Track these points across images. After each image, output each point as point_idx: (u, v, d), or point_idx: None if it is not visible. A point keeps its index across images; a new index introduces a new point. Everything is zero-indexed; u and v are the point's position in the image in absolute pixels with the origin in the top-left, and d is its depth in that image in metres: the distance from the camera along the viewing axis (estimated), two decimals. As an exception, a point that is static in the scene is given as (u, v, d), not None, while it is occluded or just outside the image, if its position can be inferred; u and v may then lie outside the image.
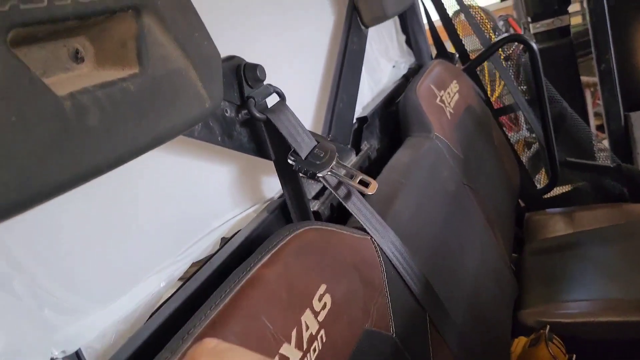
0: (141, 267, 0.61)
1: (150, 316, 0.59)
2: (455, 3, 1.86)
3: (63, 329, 0.50)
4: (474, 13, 3.81)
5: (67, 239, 0.53)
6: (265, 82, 0.77)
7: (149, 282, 0.61)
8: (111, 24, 0.49)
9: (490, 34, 4.13)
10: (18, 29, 0.39)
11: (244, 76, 0.73)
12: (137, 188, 0.62)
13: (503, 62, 1.92)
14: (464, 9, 1.84)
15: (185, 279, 0.66)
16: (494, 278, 1.16)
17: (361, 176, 0.78)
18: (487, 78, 3.30)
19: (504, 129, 1.80)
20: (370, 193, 0.76)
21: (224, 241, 0.74)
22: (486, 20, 4.05)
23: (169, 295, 0.62)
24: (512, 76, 1.88)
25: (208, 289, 0.62)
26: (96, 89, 0.45)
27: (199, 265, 0.67)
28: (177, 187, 0.69)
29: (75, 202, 0.53)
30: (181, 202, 0.69)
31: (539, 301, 1.23)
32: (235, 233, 0.75)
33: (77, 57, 0.49)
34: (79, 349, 0.50)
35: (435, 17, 1.73)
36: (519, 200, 1.76)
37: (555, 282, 1.30)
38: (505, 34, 1.62)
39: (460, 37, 1.75)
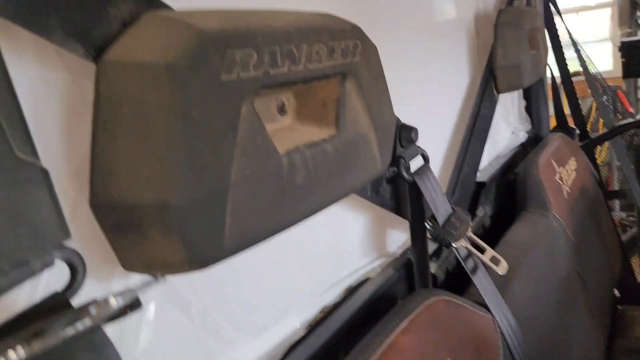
0: (283, 307, 0.63)
1: (284, 356, 0.62)
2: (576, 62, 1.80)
3: (219, 357, 0.53)
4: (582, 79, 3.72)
5: (233, 273, 0.56)
6: (412, 143, 0.79)
7: (287, 322, 0.63)
8: (318, 84, 0.53)
9: (593, 103, 3.99)
10: (263, 89, 0.43)
11: (398, 136, 0.76)
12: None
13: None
14: (588, 78, 1.79)
15: (315, 323, 0.68)
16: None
17: (493, 253, 0.78)
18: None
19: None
20: (501, 273, 0.76)
21: (350, 289, 0.76)
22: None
23: (301, 336, 0.65)
24: (630, 161, 1.80)
25: (340, 338, 0.64)
26: (305, 148, 0.48)
27: (329, 310, 0.70)
28: (320, 232, 0.71)
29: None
30: (321, 247, 0.72)
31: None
32: (361, 283, 0.77)
33: (282, 110, 0.53)
34: (228, 377, 0.53)
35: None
36: (615, 289, 1.68)
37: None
38: (632, 120, 1.57)
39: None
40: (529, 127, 1.63)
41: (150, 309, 0.46)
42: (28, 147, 0.30)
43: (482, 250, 0.79)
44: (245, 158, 0.41)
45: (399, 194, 0.79)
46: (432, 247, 0.93)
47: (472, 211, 1.13)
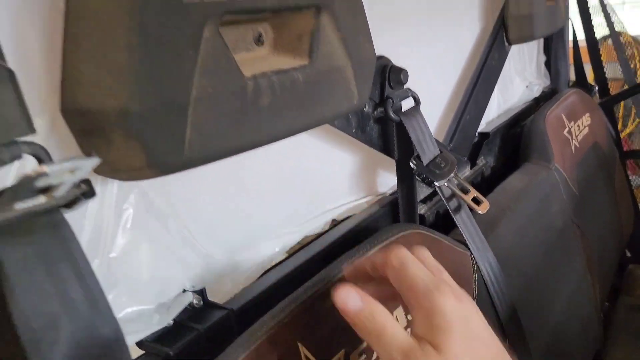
0: (263, 230, 0.68)
1: (262, 275, 0.67)
2: (605, 26, 1.76)
3: (195, 268, 0.58)
4: (623, 41, 3.56)
5: (212, 192, 0.61)
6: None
7: (266, 245, 0.68)
8: (293, 17, 0.55)
9: (638, 66, 3.85)
10: (227, 15, 0.46)
11: (388, 77, 0.78)
12: (273, 157, 0.69)
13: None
14: (614, 36, 1.75)
15: (295, 250, 0.72)
16: (580, 322, 1.14)
17: (475, 194, 0.81)
18: (621, 112, 3.09)
19: (628, 172, 1.71)
20: (481, 212, 0.78)
21: (335, 223, 0.80)
22: (636, 51, 3.78)
23: (280, 260, 0.70)
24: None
25: (316, 264, 0.69)
26: (272, 74, 0.51)
27: (310, 239, 0.74)
28: (306, 164, 0.75)
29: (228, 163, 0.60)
30: (306, 179, 0.75)
31: (623, 357, 1.19)
32: (346, 218, 0.81)
33: (259, 40, 0.56)
34: (204, 287, 0.58)
35: (582, 36, 1.65)
36: (626, 250, 1.67)
37: (645, 343, 1.24)
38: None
39: (603, 63, 1.67)
40: (547, 82, 1.61)
41: (126, 215, 0.51)
42: (-3, 52, 0.34)
43: (466, 191, 0.81)
44: (208, 77, 0.44)
45: (387, 133, 0.81)
46: (426, 192, 0.96)
47: (473, 160, 1.15)
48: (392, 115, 0.77)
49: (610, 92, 1.66)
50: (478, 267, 0.80)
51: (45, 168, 0.29)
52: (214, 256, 0.61)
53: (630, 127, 2.68)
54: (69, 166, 0.30)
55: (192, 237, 0.57)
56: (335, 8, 0.57)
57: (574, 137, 1.30)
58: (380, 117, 0.79)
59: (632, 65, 3.73)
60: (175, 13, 0.41)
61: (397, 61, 0.79)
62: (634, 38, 3.64)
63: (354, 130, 0.75)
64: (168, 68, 0.41)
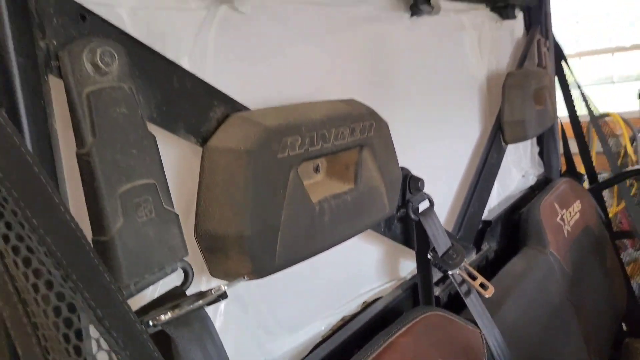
0: (314, 313, 0.84)
1: (312, 350, 0.82)
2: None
3: (266, 343, 0.75)
4: (611, 119, 3.79)
5: (277, 283, 0.78)
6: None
7: (314, 325, 0.84)
8: (343, 153, 0.75)
9: (627, 144, 4.08)
10: (304, 161, 0.65)
11: (408, 185, 0.97)
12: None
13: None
14: (594, 123, 1.94)
15: (336, 328, 0.88)
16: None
17: (482, 280, 0.97)
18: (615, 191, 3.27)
19: (621, 249, 1.87)
20: (487, 296, 0.95)
21: (365, 304, 0.97)
22: (625, 130, 4.02)
23: (325, 336, 0.86)
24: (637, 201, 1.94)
25: (355, 341, 0.85)
26: (331, 198, 0.69)
27: (348, 319, 0.90)
28: (344, 256, 0.92)
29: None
30: (345, 268, 0.92)
31: None
32: (375, 300, 0.97)
33: (317, 169, 0.75)
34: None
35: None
36: (622, 323, 1.81)
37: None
38: (636, 167, 1.72)
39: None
40: (541, 170, 1.80)
41: (221, 304, 0.68)
42: (169, 201, 0.52)
43: (474, 278, 0.98)
44: (291, 206, 0.63)
45: (408, 230, 0.99)
46: (438, 275, 1.13)
47: (478, 246, 1.32)
48: (412, 215, 0.96)
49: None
50: (487, 343, 0.95)
51: (223, 287, 0.46)
52: (278, 335, 0.77)
53: (614, 209, 2.85)
54: (224, 284, 0.48)
55: (265, 320, 0.74)
56: (374, 145, 0.77)
57: (566, 222, 1.48)
58: (402, 217, 0.97)
59: (622, 143, 3.99)
60: (272, 165, 0.60)
61: (415, 166, 0.98)
62: (623, 119, 3.90)
63: (382, 230, 0.93)
64: (268, 203, 0.59)
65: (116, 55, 0.48)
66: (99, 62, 0.47)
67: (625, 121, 3.81)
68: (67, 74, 0.46)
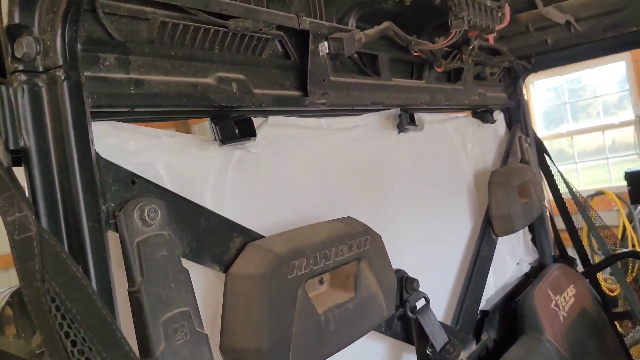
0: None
1: None
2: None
3: None
4: (608, 198, 3.92)
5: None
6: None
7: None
8: (344, 266, 0.86)
9: (624, 220, 4.18)
10: (310, 278, 0.77)
11: (404, 285, 1.07)
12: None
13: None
14: (585, 217, 2.05)
15: None
16: None
17: (479, 372, 1.05)
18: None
19: (630, 329, 1.91)
20: (485, 388, 1.02)
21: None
22: (620, 206, 4.14)
23: None
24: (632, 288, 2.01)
25: None
26: (334, 308, 0.80)
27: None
28: (351, 355, 1.01)
29: None
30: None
31: None
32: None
33: (321, 281, 0.86)
34: None
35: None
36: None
37: None
38: (626, 250, 1.82)
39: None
40: (535, 256, 1.90)
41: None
42: (200, 323, 0.63)
43: (472, 371, 1.06)
44: (300, 319, 0.74)
45: (408, 327, 1.09)
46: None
47: (478, 336, 1.40)
48: (410, 314, 1.05)
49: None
50: None
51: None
52: None
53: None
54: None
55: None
56: (370, 256, 0.89)
57: (561, 308, 1.56)
58: (401, 315, 1.07)
59: (621, 220, 4.09)
60: (283, 285, 0.72)
61: (410, 265, 1.09)
62: (618, 196, 4.03)
63: (383, 329, 1.03)
64: (281, 319, 0.70)
65: (159, 210, 0.61)
66: (146, 217, 0.60)
67: (619, 197, 3.93)
68: (122, 229, 0.59)
